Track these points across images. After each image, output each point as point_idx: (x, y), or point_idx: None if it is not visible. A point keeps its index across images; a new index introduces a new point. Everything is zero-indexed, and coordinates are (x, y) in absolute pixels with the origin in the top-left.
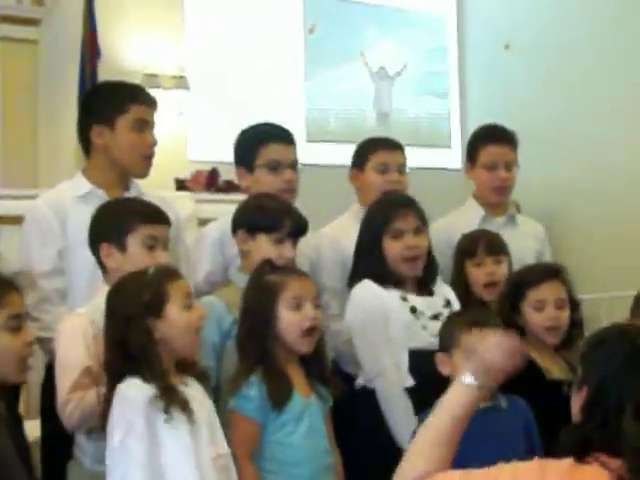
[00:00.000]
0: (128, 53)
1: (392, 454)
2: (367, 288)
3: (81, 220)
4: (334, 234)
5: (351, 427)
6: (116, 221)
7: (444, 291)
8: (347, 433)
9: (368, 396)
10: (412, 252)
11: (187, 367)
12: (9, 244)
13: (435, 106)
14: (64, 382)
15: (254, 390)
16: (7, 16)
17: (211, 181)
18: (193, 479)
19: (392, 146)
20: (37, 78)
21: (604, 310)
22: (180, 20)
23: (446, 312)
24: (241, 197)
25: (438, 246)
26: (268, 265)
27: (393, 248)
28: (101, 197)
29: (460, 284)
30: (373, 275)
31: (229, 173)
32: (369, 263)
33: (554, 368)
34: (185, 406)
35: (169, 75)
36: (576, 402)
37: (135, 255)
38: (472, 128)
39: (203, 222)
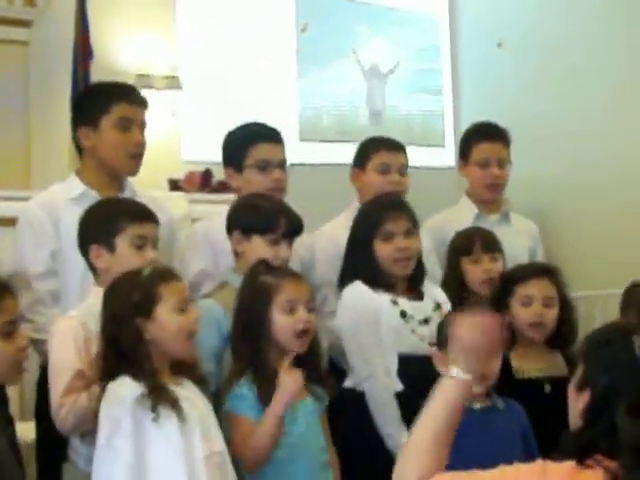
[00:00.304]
0: (121, 54)
1: (379, 455)
2: (358, 290)
3: (74, 222)
4: (333, 231)
5: (338, 427)
6: (104, 222)
7: (434, 294)
8: (334, 433)
9: (357, 398)
10: (403, 254)
11: (184, 369)
12: (2, 246)
13: (428, 104)
14: (57, 386)
15: (246, 389)
16: None
17: (205, 181)
18: (181, 478)
19: (394, 147)
20: (29, 79)
21: (598, 308)
22: (172, 20)
23: (436, 316)
24: (234, 197)
25: (434, 243)
26: (263, 265)
27: (384, 250)
28: (94, 198)
29: (455, 281)
30: (364, 277)
31: (223, 173)
32: (360, 264)
33: (531, 367)
34: (174, 404)
35: (162, 75)
36: (577, 403)
37: (124, 255)
38: (465, 126)
39: (197, 222)
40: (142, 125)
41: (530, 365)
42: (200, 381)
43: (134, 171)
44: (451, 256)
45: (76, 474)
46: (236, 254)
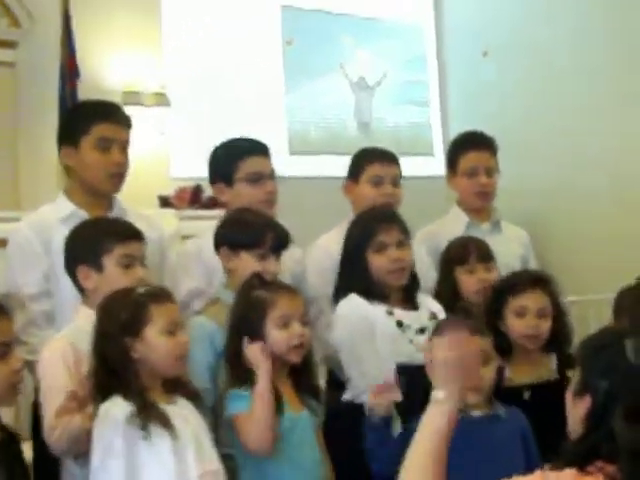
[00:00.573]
0: (108, 72)
1: None
2: (353, 302)
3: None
4: (327, 244)
5: (337, 439)
6: (90, 243)
7: (428, 304)
8: (333, 445)
9: (355, 410)
10: (397, 265)
11: (177, 386)
12: None
13: (415, 115)
14: (49, 408)
15: (242, 390)
16: None
17: (195, 198)
18: None
19: (387, 158)
20: (16, 100)
21: (592, 312)
22: (159, 37)
23: (432, 325)
24: (224, 213)
25: (428, 251)
26: (256, 279)
27: (377, 262)
28: (83, 218)
29: (448, 291)
30: (358, 289)
31: (211, 189)
32: (354, 276)
33: (523, 375)
34: (165, 422)
35: (149, 92)
36: (577, 410)
37: (112, 275)
38: (453, 135)
39: (187, 238)
40: (124, 145)
41: (523, 373)
42: (194, 398)
43: (114, 190)
44: (444, 266)
45: None
46: (226, 270)
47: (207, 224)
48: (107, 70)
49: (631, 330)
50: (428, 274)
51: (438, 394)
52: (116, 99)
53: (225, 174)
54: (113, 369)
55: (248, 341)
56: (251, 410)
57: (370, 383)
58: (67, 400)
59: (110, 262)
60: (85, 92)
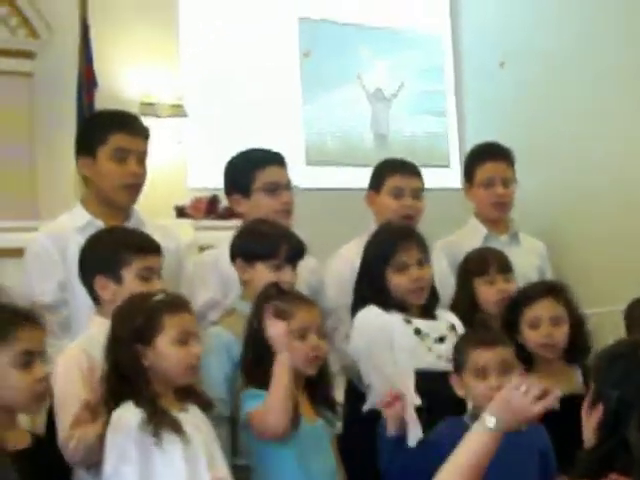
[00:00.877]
0: (125, 82)
1: None
2: (370, 312)
3: None
4: (349, 254)
5: (355, 451)
6: (109, 253)
7: (447, 317)
8: (350, 456)
9: (375, 420)
10: (417, 284)
11: (189, 394)
12: (10, 276)
13: (432, 125)
14: (64, 418)
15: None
16: (2, 49)
17: (211, 208)
18: None
19: (408, 170)
20: (34, 111)
21: (610, 325)
22: (176, 48)
23: (451, 335)
24: (241, 223)
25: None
26: (274, 289)
27: (397, 281)
28: (99, 228)
29: (466, 302)
30: (376, 302)
31: (227, 200)
32: (371, 292)
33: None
34: (177, 428)
35: (166, 103)
36: (591, 420)
37: (131, 288)
38: (470, 146)
39: (204, 249)
40: (141, 156)
41: (544, 383)
42: (206, 407)
43: (130, 202)
44: (463, 276)
45: None
46: (242, 282)
47: (223, 234)
48: (124, 81)
49: None
50: (447, 285)
51: (490, 420)
52: (133, 110)
53: (241, 185)
54: (125, 375)
55: (271, 316)
56: (270, 392)
57: (382, 394)
58: (81, 410)
59: (129, 275)
60: (102, 103)
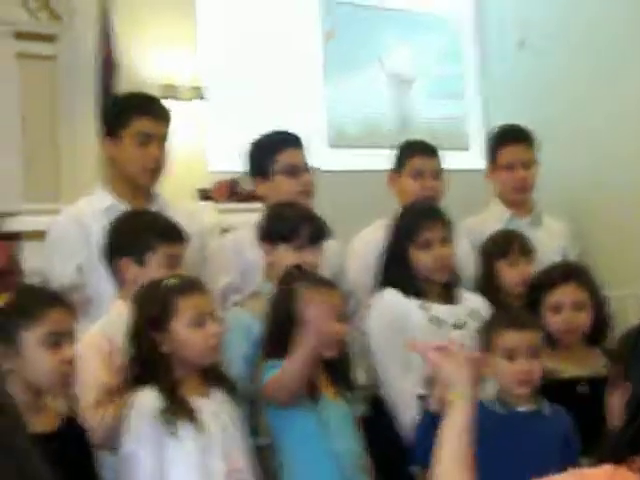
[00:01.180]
0: (145, 65)
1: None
2: (388, 297)
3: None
4: (371, 237)
5: (377, 432)
6: (135, 236)
7: (470, 301)
8: (376, 437)
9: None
10: (440, 262)
11: (212, 377)
12: (33, 259)
13: (452, 108)
14: (86, 401)
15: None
16: (23, 32)
17: (232, 191)
18: None
19: (428, 151)
20: (56, 93)
21: (632, 306)
22: (195, 30)
23: (470, 321)
24: (262, 206)
25: (467, 246)
26: (297, 271)
27: (421, 259)
28: (122, 210)
29: (488, 283)
30: (397, 284)
31: (249, 183)
32: (394, 271)
33: (569, 367)
34: (193, 418)
35: (187, 86)
36: (616, 400)
37: (154, 272)
38: (491, 129)
39: (226, 231)
40: (162, 139)
41: (568, 366)
42: (230, 390)
43: (151, 184)
44: (485, 258)
45: None
46: (267, 264)
47: (245, 217)
48: (145, 64)
49: None
50: (469, 267)
51: (449, 396)
52: (153, 93)
53: (261, 167)
54: (146, 361)
55: (310, 299)
56: (287, 362)
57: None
58: (103, 393)
59: (153, 260)
60: (123, 86)
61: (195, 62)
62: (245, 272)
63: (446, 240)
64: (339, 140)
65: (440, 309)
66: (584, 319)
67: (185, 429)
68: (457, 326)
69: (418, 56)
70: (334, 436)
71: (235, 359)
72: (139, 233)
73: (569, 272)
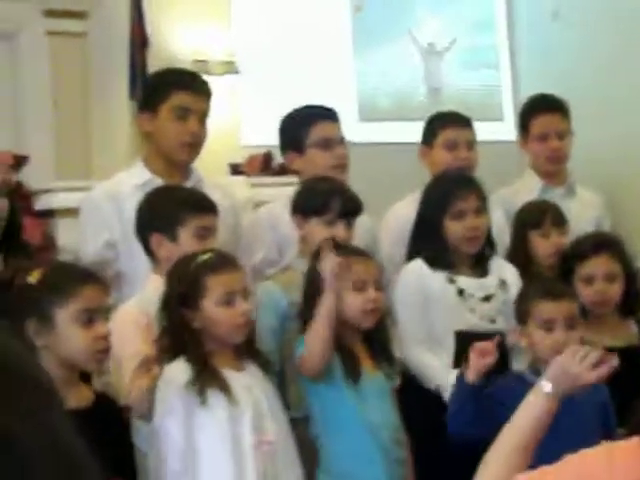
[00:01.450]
0: (177, 40)
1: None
2: (414, 269)
3: None
4: (404, 211)
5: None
6: (165, 212)
7: (502, 271)
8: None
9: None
10: (473, 233)
11: (247, 352)
12: (66, 236)
13: (485, 79)
14: (125, 374)
15: None
16: (54, 10)
17: (265, 165)
18: (227, 465)
19: (460, 122)
20: (88, 70)
21: None
22: (228, 4)
23: (500, 293)
24: (296, 179)
25: (501, 217)
26: (331, 244)
27: (454, 229)
28: (158, 186)
29: (521, 254)
30: (427, 255)
31: (282, 157)
32: (426, 241)
33: (602, 338)
34: (224, 387)
35: (219, 61)
36: None
37: (186, 246)
38: (523, 99)
39: (259, 205)
40: (202, 115)
41: (601, 336)
42: (265, 366)
43: (188, 160)
44: (518, 229)
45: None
46: (300, 238)
47: (278, 191)
48: (176, 39)
49: None
50: (503, 237)
51: (547, 386)
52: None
53: (295, 141)
54: (176, 334)
55: (327, 250)
56: (310, 328)
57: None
58: (141, 364)
59: (185, 233)
60: (155, 61)
61: (227, 37)
62: (281, 246)
63: (480, 211)
64: (370, 113)
65: (468, 282)
66: (616, 290)
67: (216, 398)
68: (486, 298)
69: (449, 27)
70: (372, 409)
71: (264, 333)
72: (169, 208)
73: (601, 243)
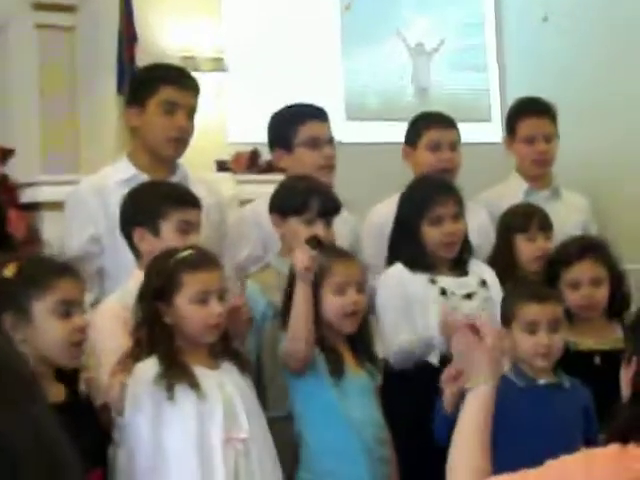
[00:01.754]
0: (165, 36)
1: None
2: (394, 273)
3: None
4: (386, 210)
5: (397, 403)
6: (148, 206)
7: (480, 271)
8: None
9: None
10: (451, 238)
11: (223, 352)
12: (51, 230)
13: (474, 80)
14: (104, 367)
15: None
16: (43, 3)
17: (252, 162)
18: (193, 462)
19: (444, 123)
20: (75, 64)
21: None
22: (217, 2)
23: (481, 291)
24: (282, 178)
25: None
26: (314, 242)
27: (432, 234)
28: (144, 181)
29: (505, 258)
30: (405, 259)
31: (270, 155)
32: (403, 246)
33: (587, 340)
34: (192, 383)
35: (207, 57)
36: (626, 376)
37: (168, 240)
38: (511, 101)
39: (245, 203)
40: (190, 110)
41: (586, 339)
42: (242, 365)
43: (175, 155)
44: (503, 232)
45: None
46: (280, 237)
47: (264, 189)
48: (165, 35)
49: None
50: (487, 239)
51: (466, 385)
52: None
53: (284, 139)
54: (148, 326)
55: (302, 242)
56: (289, 321)
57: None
58: (121, 359)
59: (167, 227)
60: (143, 57)
61: (216, 34)
62: (266, 243)
63: (457, 216)
64: (357, 113)
65: (449, 281)
66: (603, 294)
67: (184, 393)
68: (468, 296)
69: (438, 27)
70: (355, 407)
71: None
72: (151, 202)
73: (586, 248)
